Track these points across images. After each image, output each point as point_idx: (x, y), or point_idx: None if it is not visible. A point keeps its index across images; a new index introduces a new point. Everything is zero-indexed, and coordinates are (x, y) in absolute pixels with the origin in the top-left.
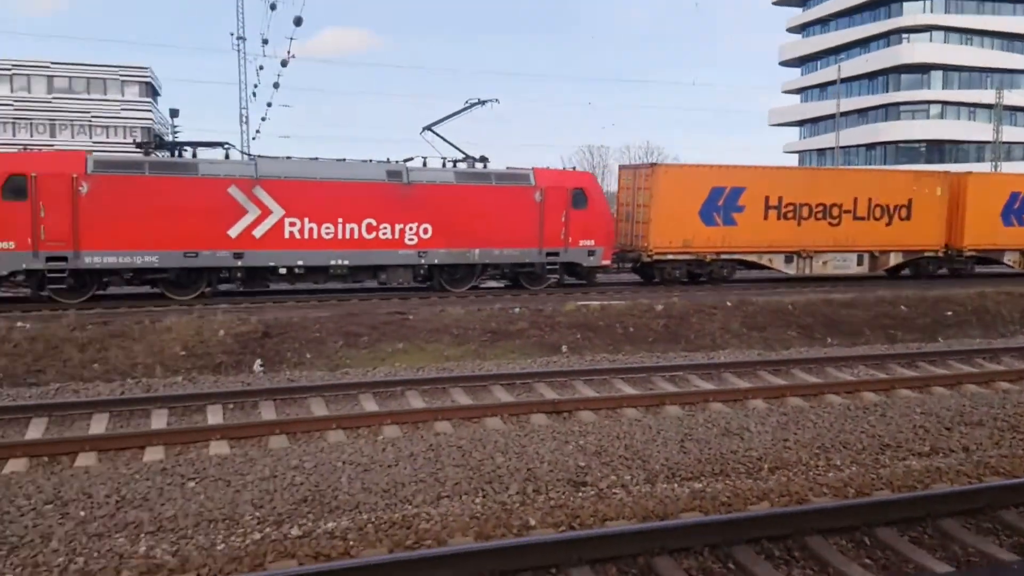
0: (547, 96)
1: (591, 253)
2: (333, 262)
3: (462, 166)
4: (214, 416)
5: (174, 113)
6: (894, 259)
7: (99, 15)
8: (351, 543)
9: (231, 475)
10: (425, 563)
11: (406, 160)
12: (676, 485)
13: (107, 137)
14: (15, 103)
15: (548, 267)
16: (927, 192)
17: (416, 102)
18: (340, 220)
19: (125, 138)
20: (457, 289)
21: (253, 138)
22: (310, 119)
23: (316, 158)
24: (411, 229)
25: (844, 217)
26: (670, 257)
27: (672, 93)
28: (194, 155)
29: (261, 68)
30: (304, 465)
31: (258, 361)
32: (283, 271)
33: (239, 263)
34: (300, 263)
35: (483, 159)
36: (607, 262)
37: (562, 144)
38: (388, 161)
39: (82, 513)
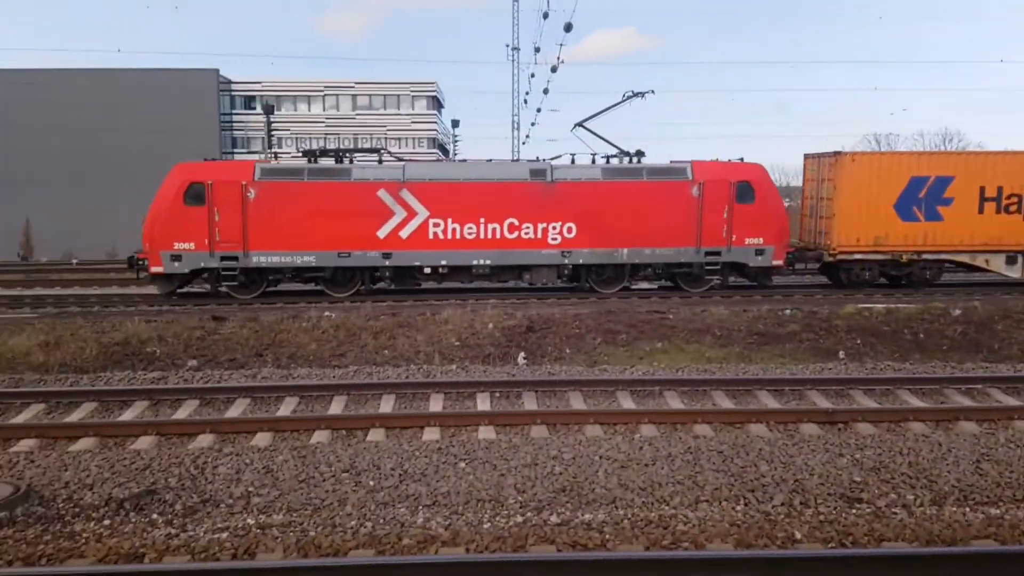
0: (829, 81)
1: (759, 252)
2: (475, 262)
3: (615, 162)
4: (483, 403)
5: (455, 123)
6: None
7: (394, 38)
8: (607, 536)
9: (497, 459)
10: (683, 564)
11: (553, 158)
12: (968, 509)
13: (399, 148)
14: (326, 120)
15: (708, 267)
16: None
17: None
18: (482, 220)
19: (414, 148)
20: (607, 290)
21: (523, 143)
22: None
23: (465, 160)
24: (554, 228)
25: None
26: (858, 256)
27: (973, 73)
28: (351, 161)
29: (532, 76)
30: (563, 456)
31: (521, 354)
32: (428, 270)
33: (387, 263)
34: (443, 263)
35: (639, 154)
36: (779, 262)
37: (846, 134)
38: (537, 160)
39: (371, 483)
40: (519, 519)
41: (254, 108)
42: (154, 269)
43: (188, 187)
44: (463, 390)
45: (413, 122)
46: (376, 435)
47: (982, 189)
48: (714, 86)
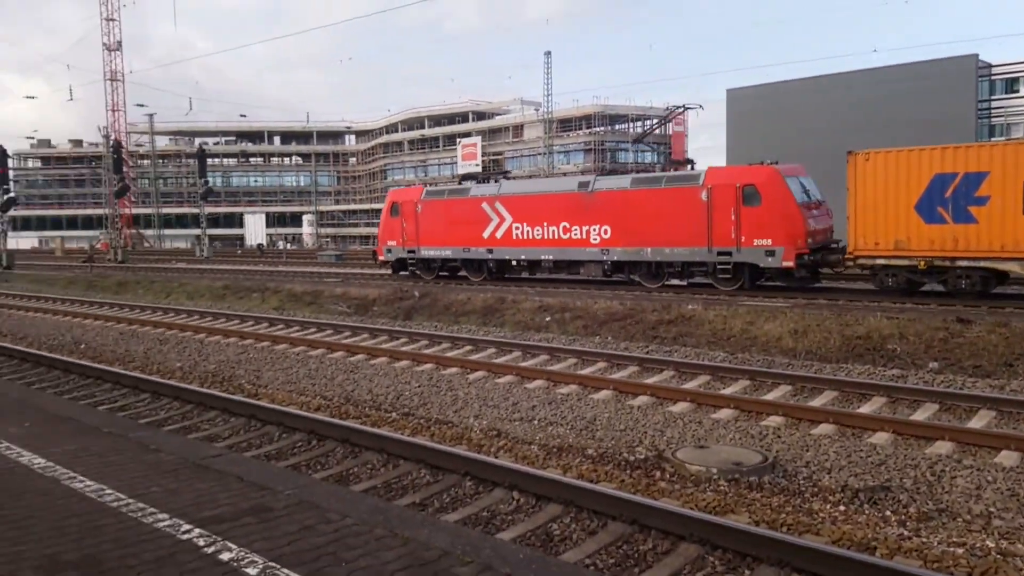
0: None
1: (769, 253)
2: (543, 257)
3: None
4: None
5: None
6: None
7: None
8: None
9: None
10: None
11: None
12: None
13: None
14: None
15: (720, 266)
16: None
17: None
18: (545, 224)
19: None
20: (651, 284)
21: None
22: None
23: (544, 176)
24: (595, 230)
25: None
26: (880, 262)
27: None
28: (478, 182)
29: None
30: None
31: None
32: (514, 263)
33: (491, 256)
34: (523, 257)
35: (688, 162)
36: (789, 263)
37: None
38: (584, 172)
39: None
40: None
41: (1017, 91)
42: (380, 258)
43: (392, 205)
44: None
45: None
46: None
47: None
48: None
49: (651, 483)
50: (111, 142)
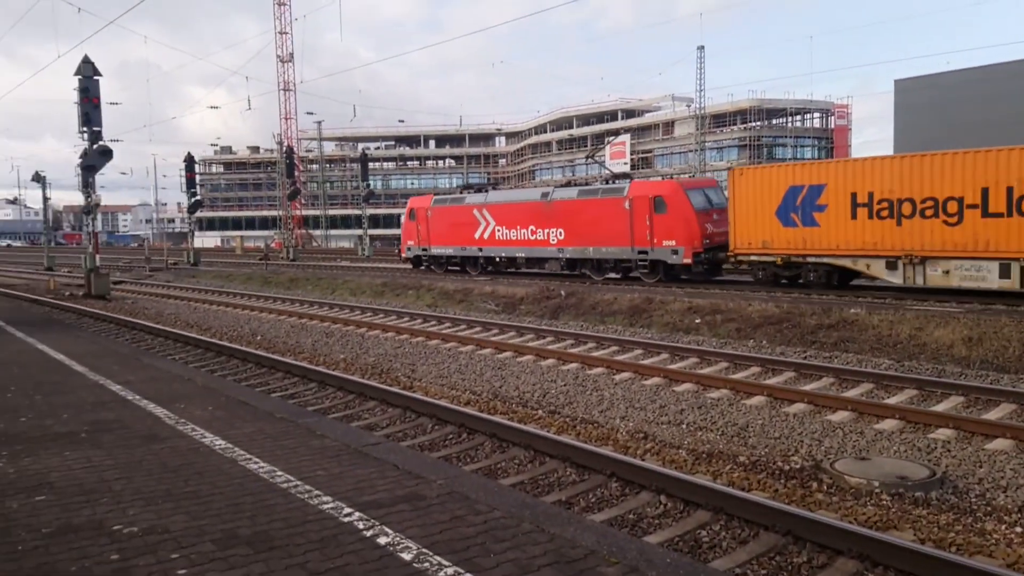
0: None
1: (674, 252)
2: (517, 255)
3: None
4: None
5: None
6: None
7: None
8: None
9: None
10: None
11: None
12: None
13: None
14: None
15: (640, 263)
16: None
17: None
18: (519, 227)
19: None
20: (596, 276)
21: None
22: None
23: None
24: (553, 233)
25: (967, 214)
26: (753, 258)
27: None
28: (474, 192)
29: None
30: None
31: None
32: (497, 260)
33: (480, 254)
34: (503, 255)
35: (627, 176)
36: (688, 260)
37: None
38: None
39: None
40: None
41: None
42: (403, 256)
43: (410, 211)
44: None
45: None
46: None
47: (853, 195)
48: None
49: (807, 494)
50: (284, 148)
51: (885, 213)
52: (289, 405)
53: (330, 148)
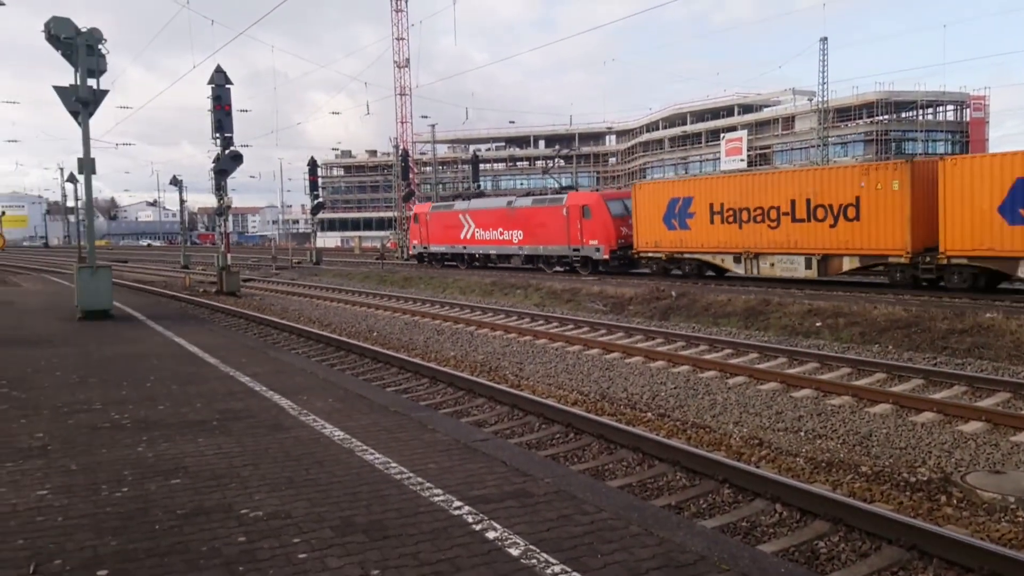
0: None
1: (597, 250)
2: (491, 252)
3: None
4: None
5: None
6: (848, 263)
7: None
8: None
9: None
10: None
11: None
12: None
13: None
14: None
15: (574, 259)
16: (880, 187)
17: None
18: (491, 229)
19: None
20: (548, 270)
21: None
22: None
23: (493, 195)
24: (515, 234)
25: (783, 220)
26: (649, 255)
27: None
28: (461, 200)
29: None
30: None
31: None
32: (477, 257)
33: (465, 251)
34: (480, 252)
35: (570, 188)
36: (607, 256)
37: None
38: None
39: None
40: None
41: None
42: (410, 253)
43: (415, 215)
44: None
45: None
46: None
47: (711, 205)
48: None
49: (934, 507)
50: (399, 151)
51: (731, 219)
52: (402, 399)
53: (443, 150)
